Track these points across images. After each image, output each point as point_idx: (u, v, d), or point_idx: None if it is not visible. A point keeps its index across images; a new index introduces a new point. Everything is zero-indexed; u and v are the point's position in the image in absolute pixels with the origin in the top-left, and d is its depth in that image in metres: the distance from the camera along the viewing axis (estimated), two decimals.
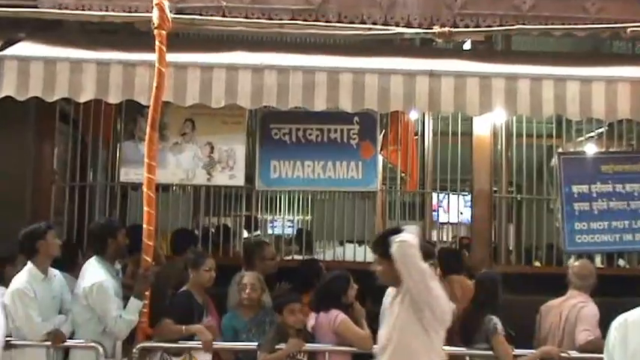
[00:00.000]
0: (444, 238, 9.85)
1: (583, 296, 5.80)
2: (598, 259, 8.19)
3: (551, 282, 5.91)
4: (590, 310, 5.61)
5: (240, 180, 6.98)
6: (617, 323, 3.30)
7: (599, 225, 6.94)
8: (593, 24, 6.28)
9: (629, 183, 6.96)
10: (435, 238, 8.67)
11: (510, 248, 8.81)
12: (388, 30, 6.05)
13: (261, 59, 5.80)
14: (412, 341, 3.92)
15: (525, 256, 8.20)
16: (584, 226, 6.92)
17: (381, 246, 4.02)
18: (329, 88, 5.75)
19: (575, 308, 5.69)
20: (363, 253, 7.54)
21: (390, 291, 4.39)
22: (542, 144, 7.98)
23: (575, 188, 6.99)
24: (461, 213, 9.97)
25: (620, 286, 5.88)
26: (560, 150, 7.69)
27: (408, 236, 3.89)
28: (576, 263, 6.07)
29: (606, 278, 5.96)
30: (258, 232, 9.54)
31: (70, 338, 5.42)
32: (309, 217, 9.24)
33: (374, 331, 5.49)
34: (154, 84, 5.36)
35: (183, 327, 5.44)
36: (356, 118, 6.96)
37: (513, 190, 8.07)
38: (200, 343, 5.42)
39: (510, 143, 7.70)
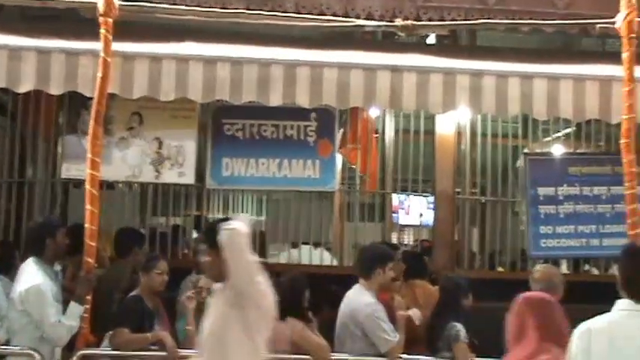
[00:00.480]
0: (406, 241, 9.94)
1: None
2: (564, 265, 8.31)
3: (516, 288, 5.93)
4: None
5: (190, 178, 6.93)
6: (580, 331, 3.33)
7: (566, 229, 7.04)
8: (561, 19, 6.35)
9: (596, 186, 7.08)
10: (395, 240, 8.73)
11: (475, 252, 8.89)
12: (348, 22, 6.04)
13: (214, 51, 5.77)
14: (230, 340, 3.81)
15: (489, 261, 8.28)
16: (549, 229, 7.02)
17: (210, 235, 3.90)
18: (285, 83, 5.74)
19: None
20: (319, 256, 7.53)
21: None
22: (508, 144, 8.05)
23: (541, 190, 7.09)
24: (421, 215, 10.07)
25: (586, 293, 5.94)
26: (526, 150, 7.78)
27: (238, 224, 3.78)
28: (537, 268, 6.05)
29: (572, 284, 6.00)
30: None
31: (4, 345, 5.33)
32: (262, 218, 9.19)
33: (330, 339, 5.55)
34: (99, 75, 5.27)
35: (149, 334, 5.37)
36: (313, 115, 6.96)
37: (477, 191, 8.12)
38: (156, 350, 5.34)
39: (475, 143, 7.71)
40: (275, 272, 5.88)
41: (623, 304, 3.27)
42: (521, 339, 3.55)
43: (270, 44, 6.05)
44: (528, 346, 3.48)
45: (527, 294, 3.86)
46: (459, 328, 5.47)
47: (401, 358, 5.42)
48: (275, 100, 5.75)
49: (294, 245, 7.73)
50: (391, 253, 5.83)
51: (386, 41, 7.17)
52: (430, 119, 7.30)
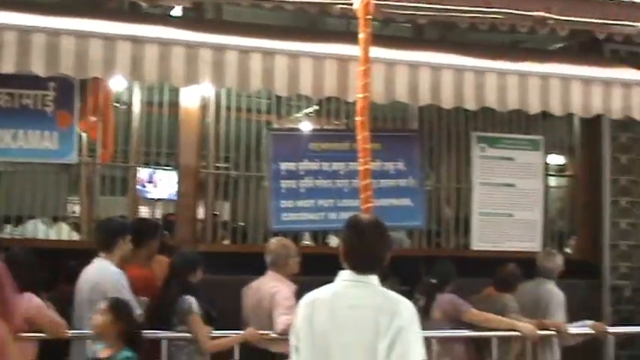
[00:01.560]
0: (157, 215, 9.86)
1: (278, 278, 5.93)
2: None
3: (260, 261, 6.11)
4: (283, 293, 5.73)
5: None
6: (304, 302, 3.48)
7: (306, 203, 7.32)
8: None
9: (335, 161, 7.40)
10: (146, 215, 8.65)
11: (226, 227, 9.00)
12: None
13: None
14: None
15: (242, 235, 8.41)
16: (290, 204, 7.27)
17: None
18: (19, 49, 5.52)
19: (268, 293, 5.81)
20: (57, 231, 7.32)
21: None
22: (261, 119, 8.18)
23: (283, 165, 7.31)
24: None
25: (331, 265, 6.22)
26: (275, 126, 7.97)
27: None
28: (272, 241, 6.23)
29: (316, 257, 6.22)
30: None
31: None
32: None
33: (67, 315, 5.45)
34: None
35: None
36: (52, 84, 6.73)
37: (230, 166, 8.21)
38: None
39: (222, 117, 7.75)
40: (5, 247, 5.72)
41: (345, 275, 3.47)
42: None
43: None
44: None
45: None
46: (191, 300, 5.58)
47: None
48: (7, 67, 5.51)
49: (30, 218, 7.46)
50: (129, 225, 5.84)
51: (128, 12, 7.05)
52: (175, 92, 7.28)
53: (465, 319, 6.25)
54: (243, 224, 8.25)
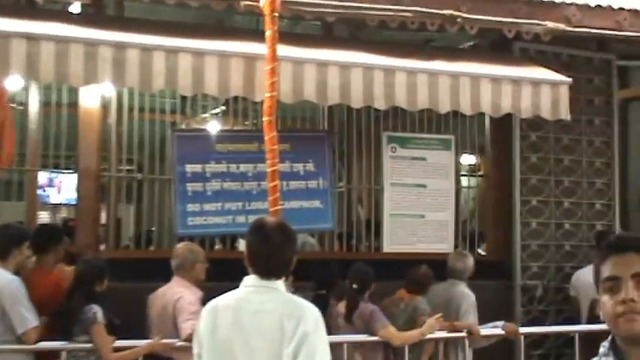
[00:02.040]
0: (58, 221, 9.66)
1: (183, 284, 5.90)
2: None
3: (166, 267, 6.04)
4: (186, 299, 5.71)
5: None
6: (207, 308, 3.45)
7: (213, 206, 7.25)
8: None
9: (243, 163, 7.36)
10: (46, 220, 8.46)
11: (130, 232, 8.86)
12: None
13: None
14: None
15: (146, 240, 8.31)
16: (196, 207, 7.19)
17: None
18: None
19: (172, 299, 5.77)
20: None
21: None
22: (164, 120, 8.07)
23: (189, 167, 7.23)
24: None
25: (240, 271, 6.17)
26: (181, 127, 7.88)
27: None
28: (178, 246, 6.20)
29: (224, 262, 6.17)
30: None
31: None
32: None
33: None
34: None
35: None
36: None
37: (133, 169, 8.09)
38: None
39: (124, 117, 7.60)
40: None
41: (249, 280, 3.45)
42: None
43: None
44: None
45: None
46: (96, 309, 5.48)
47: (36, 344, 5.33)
48: None
49: None
50: (26, 233, 5.70)
51: (24, 7, 6.87)
52: (75, 91, 7.12)
53: (380, 337, 6.22)
54: (149, 229, 8.14)
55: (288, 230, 3.52)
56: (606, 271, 2.22)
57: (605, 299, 2.20)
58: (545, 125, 8.40)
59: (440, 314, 6.37)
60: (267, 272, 3.40)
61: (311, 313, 3.35)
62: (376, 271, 6.56)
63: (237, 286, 3.52)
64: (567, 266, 8.61)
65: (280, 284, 3.43)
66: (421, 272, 6.80)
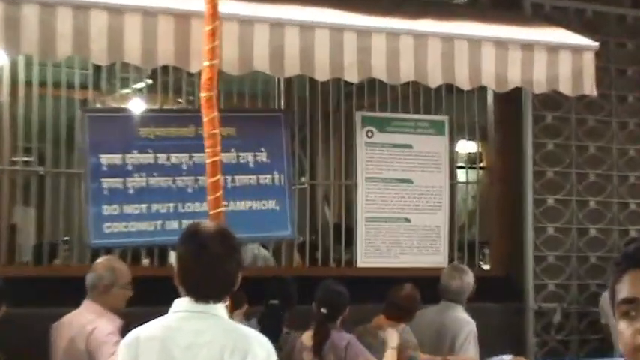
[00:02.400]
0: None
1: (96, 310, 5.89)
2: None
3: (77, 286, 6.03)
4: (103, 329, 5.69)
5: None
6: (126, 341, 3.47)
7: (136, 209, 7.24)
8: None
9: (175, 152, 7.36)
10: None
11: (30, 243, 8.80)
12: None
13: None
14: None
15: (50, 253, 8.23)
16: (115, 210, 7.17)
17: None
18: None
19: (83, 330, 5.74)
20: None
21: None
22: (72, 97, 7.99)
23: (104, 159, 7.19)
24: None
25: (170, 292, 6.17)
26: (95, 106, 7.86)
27: None
28: (99, 260, 6.19)
29: (151, 281, 6.08)
30: None
31: None
32: None
33: None
34: None
35: None
36: None
37: (33, 160, 8.02)
38: None
39: (20, 94, 7.57)
40: None
41: (180, 304, 3.47)
42: None
43: None
44: None
45: None
46: None
47: None
48: None
49: None
50: None
51: None
52: None
53: None
54: (54, 239, 8.09)
55: (230, 239, 3.55)
56: (623, 290, 2.16)
57: (623, 326, 2.15)
58: (564, 103, 8.49)
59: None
60: (204, 293, 3.43)
61: (260, 345, 3.38)
62: (348, 291, 6.58)
63: (165, 312, 3.53)
64: (593, 284, 8.70)
65: (221, 309, 3.45)
66: (405, 293, 6.83)
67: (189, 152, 7.32)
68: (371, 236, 8.07)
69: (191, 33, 6.23)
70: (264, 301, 6.91)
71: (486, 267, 8.99)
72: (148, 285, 6.04)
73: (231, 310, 5.51)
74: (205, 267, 3.43)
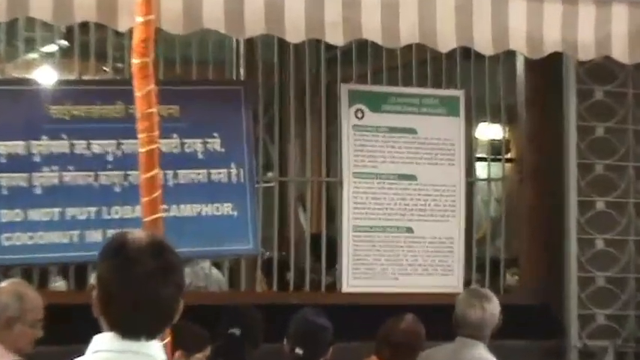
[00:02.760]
0: None
1: None
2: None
3: None
4: None
5: None
6: None
7: (46, 214, 7.22)
8: None
9: (98, 138, 7.34)
10: None
11: None
12: None
13: None
14: None
15: None
16: (17, 215, 7.15)
17: None
18: None
19: None
20: None
21: None
22: None
23: (2, 147, 7.18)
24: None
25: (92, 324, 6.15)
26: None
27: None
28: (3, 284, 6.16)
29: (68, 311, 6.18)
30: None
31: None
32: None
33: None
34: None
35: None
36: None
37: None
38: None
39: None
40: None
41: (100, 342, 3.41)
42: None
43: None
44: None
45: None
46: None
47: None
48: None
49: None
50: None
51: None
52: None
53: None
54: None
55: (168, 253, 3.48)
56: None
57: None
58: (619, 74, 8.50)
59: None
60: (133, 327, 3.38)
61: None
62: (331, 324, 6.58)
63: (82, 352, 3.49)
64: None
65: (155, 348, 3.42)
66: (405, 327, 6.83)
67: (116, 138, 7.36)
68: (360, 251, 8.07)
69: None
70: (219, 332, 6.85)
71: (515, 292, 8.99)
72: (60, 316, 6.06)
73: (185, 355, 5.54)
74: (134, 292, 3.37)
